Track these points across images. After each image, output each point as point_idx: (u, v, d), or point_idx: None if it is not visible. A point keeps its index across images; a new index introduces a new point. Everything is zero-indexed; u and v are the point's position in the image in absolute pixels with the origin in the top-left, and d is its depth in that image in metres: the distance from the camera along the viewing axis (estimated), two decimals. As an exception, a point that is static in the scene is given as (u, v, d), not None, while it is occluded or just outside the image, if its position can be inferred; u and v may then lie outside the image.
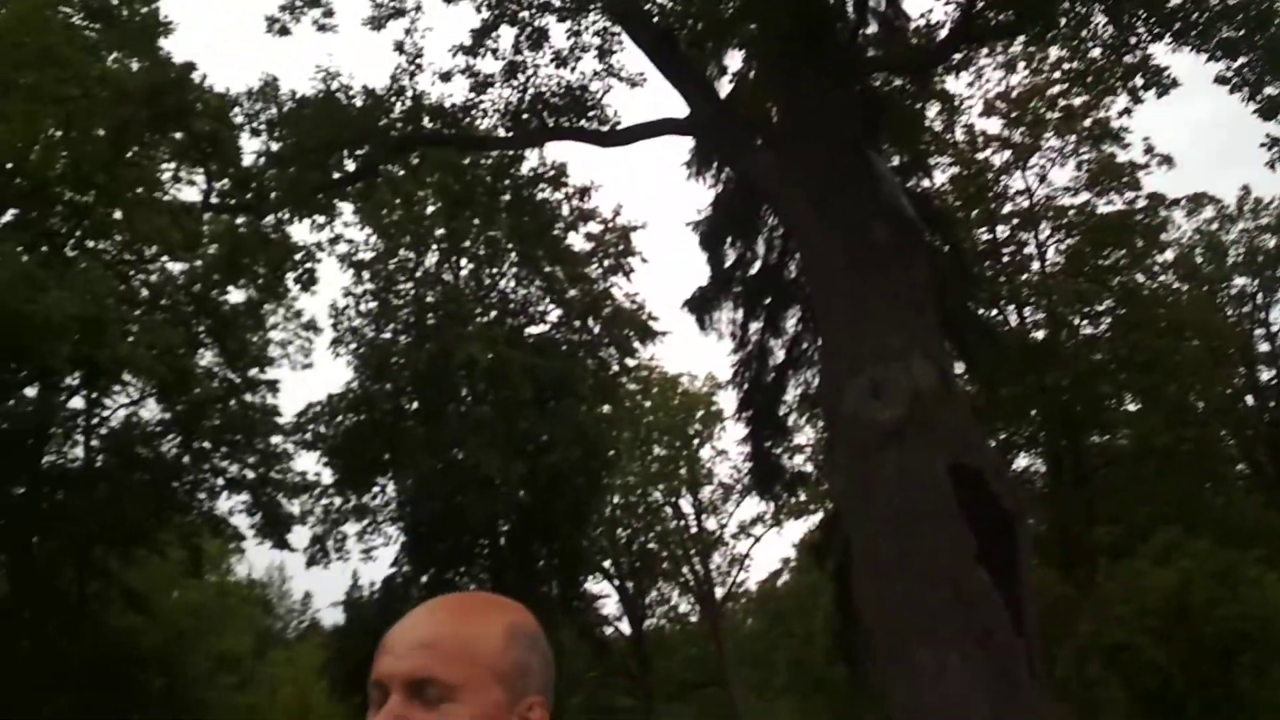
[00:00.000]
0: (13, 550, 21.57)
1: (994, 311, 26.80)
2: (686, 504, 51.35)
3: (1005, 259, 27.94)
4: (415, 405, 29.60)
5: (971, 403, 19.20)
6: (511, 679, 1.29)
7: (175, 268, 22.44)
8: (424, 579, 28.59)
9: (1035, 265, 28.17)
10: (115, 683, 20.30)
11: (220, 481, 24.10)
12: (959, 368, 19.94)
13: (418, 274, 30.76)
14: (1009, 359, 23.37)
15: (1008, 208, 27.88)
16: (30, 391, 20.65)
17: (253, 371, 24.47)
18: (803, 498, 37.57)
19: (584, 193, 29.10)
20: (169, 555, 24.79)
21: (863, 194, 11.48)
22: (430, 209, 27.98)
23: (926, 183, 22.16)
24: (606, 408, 31.79)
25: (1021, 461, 28.34)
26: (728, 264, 20.77)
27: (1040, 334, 27.65)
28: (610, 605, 58.43)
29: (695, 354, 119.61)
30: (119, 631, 21.86)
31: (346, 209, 19.06)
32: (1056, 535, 25.44)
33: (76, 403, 23.05)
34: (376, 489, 30.12)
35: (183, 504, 23.21)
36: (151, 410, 23.20)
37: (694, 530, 50.96)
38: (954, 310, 18.29)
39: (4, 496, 21.42)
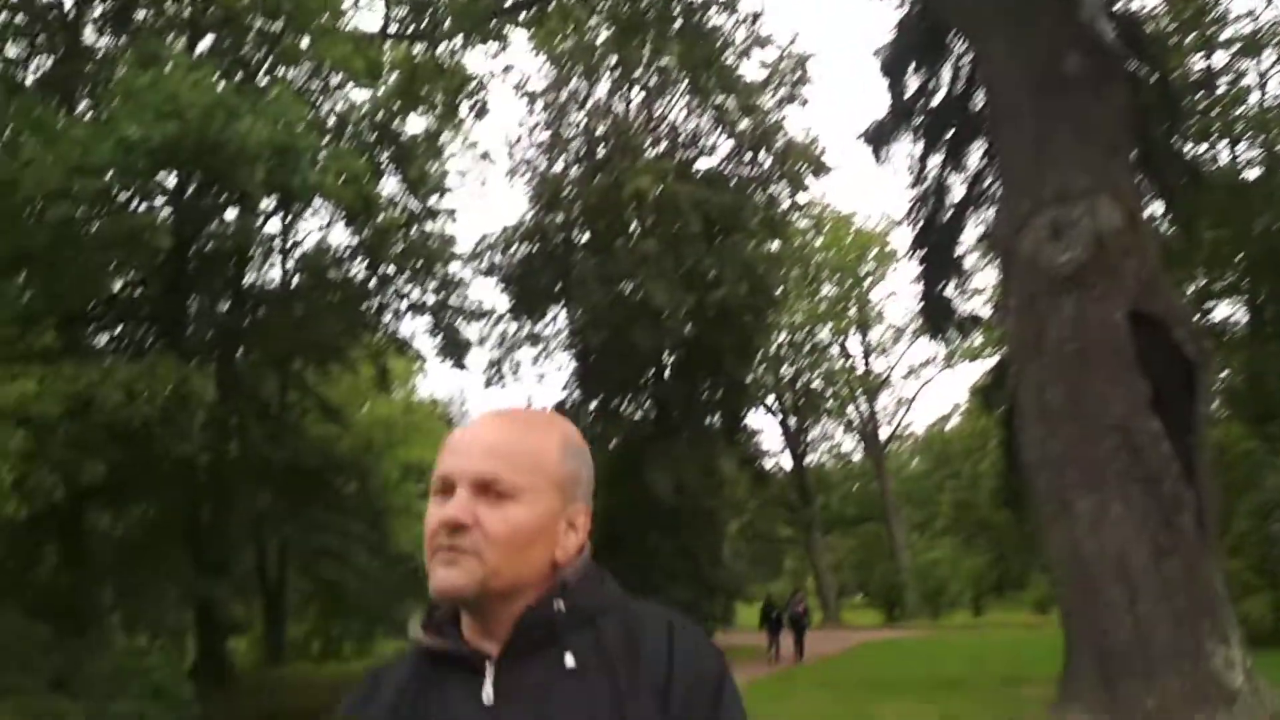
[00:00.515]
0: (221, 362, 23.50)
1: (1203, 147, 24.72)
2: (855, 344, 50.96)
3: (1220, 89, 25.52)
4: (586, 237, 30.05)
5: (1166, 246, 18.05)
6: (565, 487, 1.41)
7: (358, 97, 23.08)
8: (592, 405, 29.67)
9: (1254, 97, 25.65)
10: (312, 484, 22.18)
11: (404, 305, 25.34)
12: (1157, 207, 18.68)
13: (588, 105, 30.67)
14: (1214, 200, 21.67)
15: (1228, 32, 25.24)
16: (230, 215, 21.99)
17: (432, 200, 25.25)
18: (977, 341, 36.67)
19: (757, 18, 28.06)
20: (359, 371, 26.45)
21: (1059, 18, 10.66)
22: (601, 37, 27.56)
23: (1136, 3, 20.24)
24: (775, 244, 31.45)
25: (1221, 310, 26.62)
26: (909, 94, 19.74)
27: (1253, 174, 25.40)
28: (772, 439, 59.32)
29: (868, 192, 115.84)
30: (315, 439, 23.72)
31: (519, 37, 18.99)
32: (1251, 388, 24.09)
33: (273, 226, 24.49)
34: (549, 317, 31.13)
35: (371, 324, 24.57)
36: (340, 235, 24.36)
37: (861, 371, 50.68)
38: (1156, 145, 16.98)
39: (212, 313, 23.22)
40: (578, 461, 1.45)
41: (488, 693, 1.34)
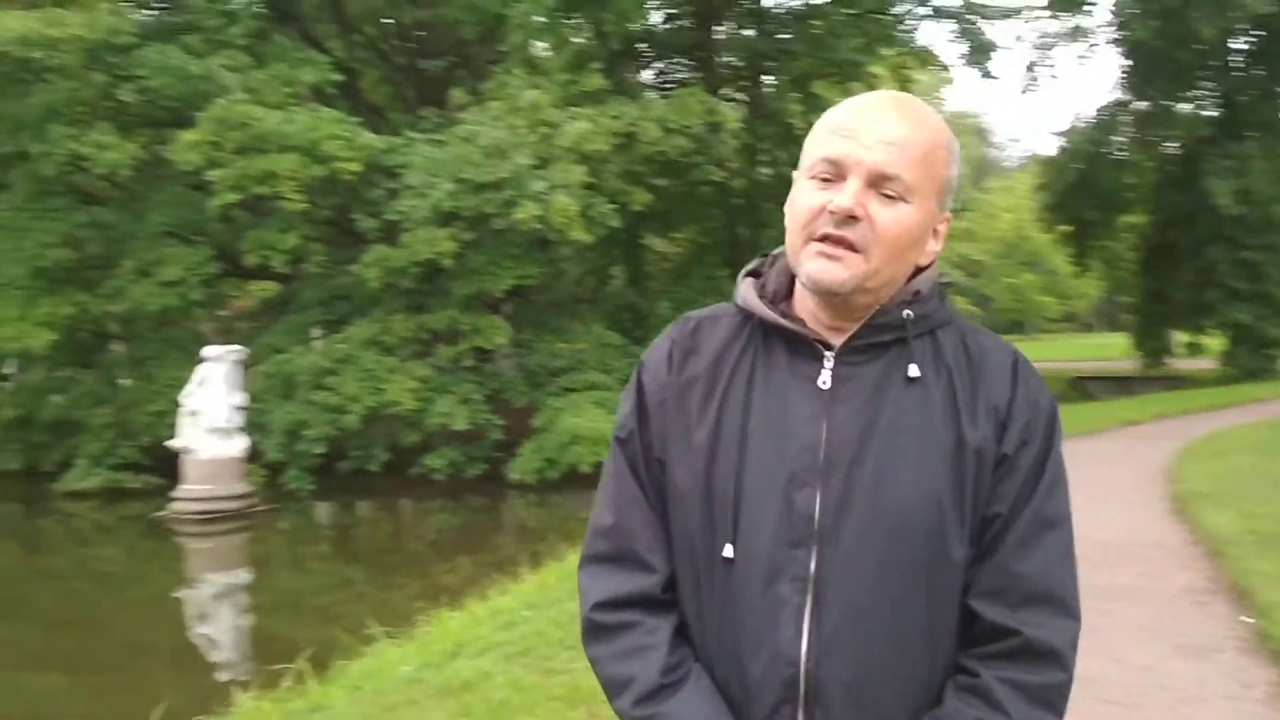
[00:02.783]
0: (747, 89, 24.44)
1: None
2: None
3: None
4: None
5: None
6: (944, 193, 1.35)
7: None
8: (1140, 105, 26.58)
9: None
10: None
11: (925, 10, 24.07)
12: None
13: None
14: None
15: None
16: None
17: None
18: None
19: None
20: (879, 88, 26.00)
21: None
22: None
23: None
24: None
25: None
26: None
27: None
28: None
29: None
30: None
31: None
32: None
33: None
34: (1092, 6, 27.77)
35: (890, 36, 23.80)
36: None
37: None
38: None
39: (739, 40, 23.99)
40: (958, 165, 1.38)
41: (825, 379, 1.33)
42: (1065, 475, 1.37)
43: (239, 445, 15.42)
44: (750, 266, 1.46)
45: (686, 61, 24.48)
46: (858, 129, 1.29)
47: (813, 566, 1.29)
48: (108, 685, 8.56)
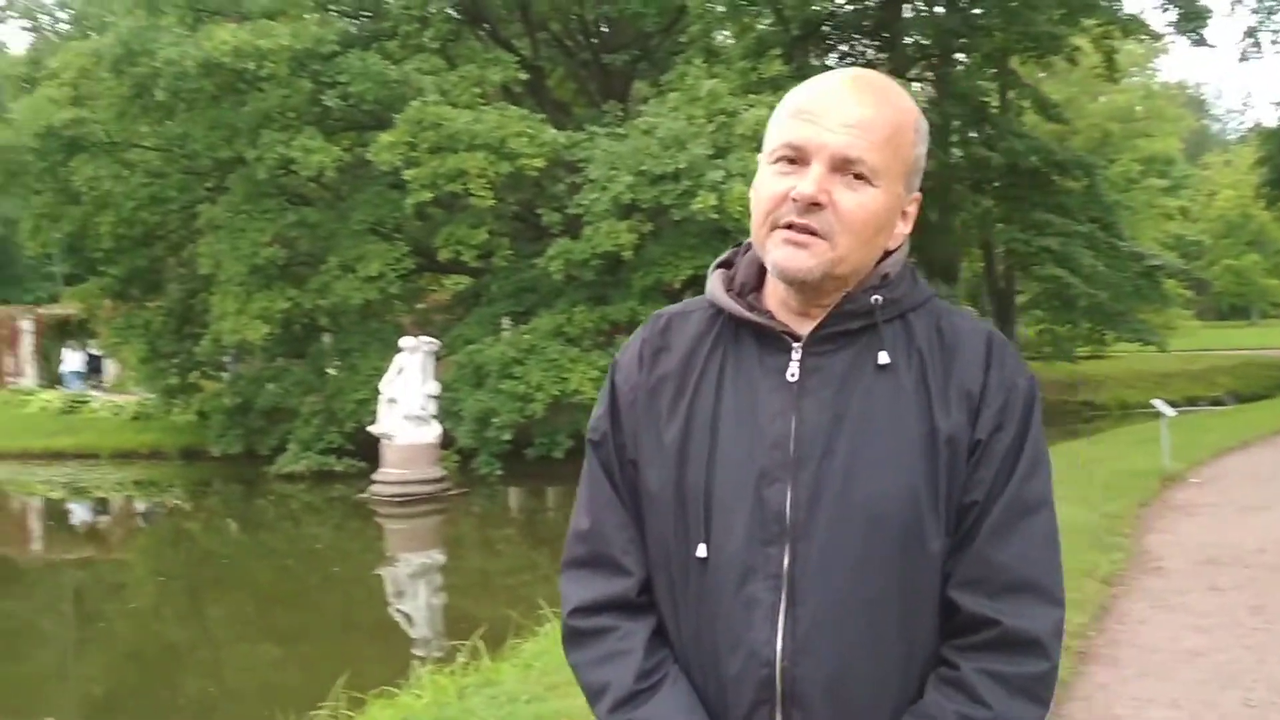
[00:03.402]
0: (936, 69, 23.62)
1: None
2: None
3: None
4: None
5: None
6: (912, 174, 1.32)
7: None
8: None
9: None
10: (1034, 185, 21.71)
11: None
12: None
13: None
14: None
15: None
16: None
17: None
18: None
19: None
20: (1080, 62, 24.66)
21: None
22: None
23: None
24: None
25: None
26: None
27: None
28: None
29: None
30: (1036, 138, 22.95)
31: None
32: None
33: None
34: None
35: (1091, 5, 22.50)
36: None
37: None
38: None
39: (929, 17, 23.21)
40: (925, 145, 1.35)
41: (793, 370, 1.30)
42: (1047, 458, 1.33)
43: (433, 432, 16.15)
44: (723, 257, 1.44)
45: (871, 43, 23.91)
46: (819, 112, 1.27)
47: (786, 564, 1.26)
48: (316, 655, 9.13)
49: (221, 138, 18.60)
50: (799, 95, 1.31)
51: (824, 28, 22.55)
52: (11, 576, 14.09)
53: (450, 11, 19.87)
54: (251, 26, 17.33)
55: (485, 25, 21.51)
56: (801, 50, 20.73)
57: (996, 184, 22.38)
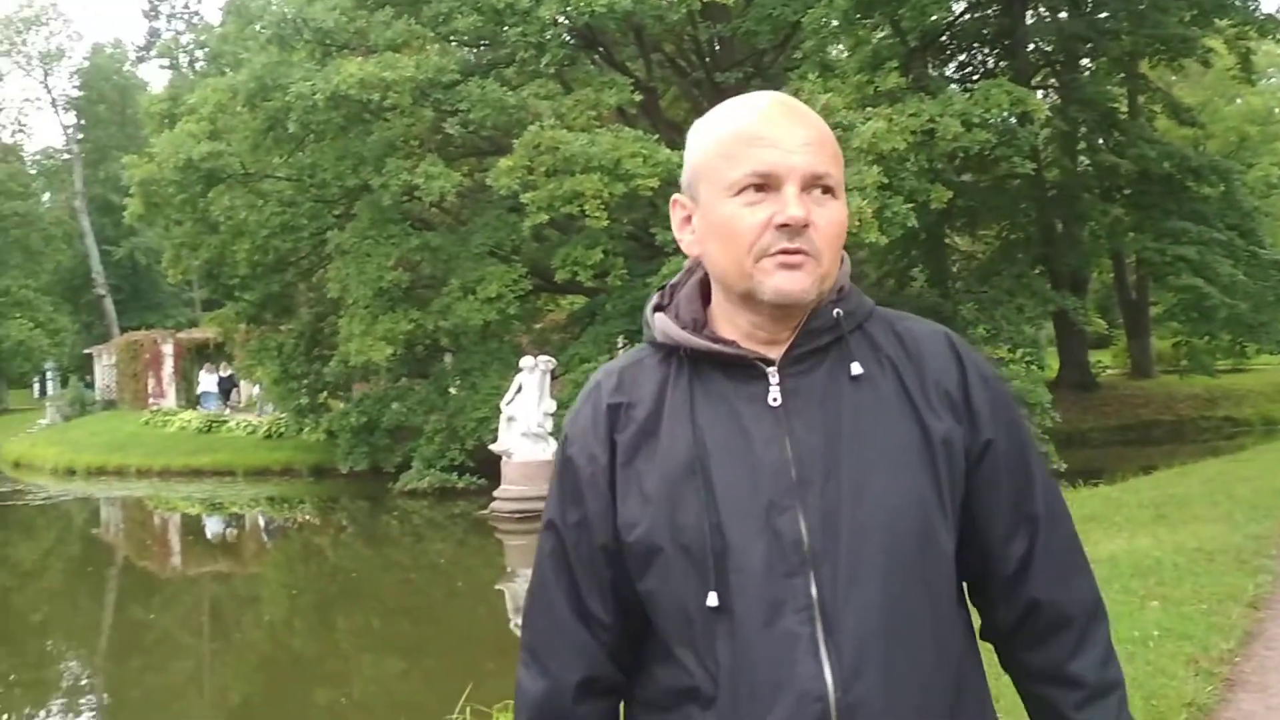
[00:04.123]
0: (1061, 75, 22.94)
1: None
2: None
3: None
4: None
5: None
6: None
7: None
8: None
9: None
10: (1166, 192, 20.83)
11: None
12: None
13: None
14: None
15: None
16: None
17: None
18: None
19: None
20: (1214, 63, 23.62)
21: None
22: None
23: None
24: None
25: None
26: None
27: None
28: None
29: None
30: (1168, 144, 22.05)
31: None
32: None
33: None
34: None
35: (1225, 5, 21.55)
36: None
37: None
38: None
39: (1053, 22, 22.58)
40: None
41: (774, 395, 1.29)
42: (1031, 438, 1.39)
43: (550, 449, 16.35)
44: (653, 302, 1.43)
45: (991, 51, 23.39)
46: (776, 136, 1.27)
47: (814, 592, 1.23)
48: (439, 670, 9.32)
49: (349, 167, 19.30)
50: (738, 123, 1.30)
51: (942, 38, 22.17)
52: (153, 589, 14.82)
53: (566, 37, 20.22)
54: (377, 59, 17.95)
55: (600, 49, 21.81)
56: (920, 61, 20.40)
57: (1127, 192, 21.56)
